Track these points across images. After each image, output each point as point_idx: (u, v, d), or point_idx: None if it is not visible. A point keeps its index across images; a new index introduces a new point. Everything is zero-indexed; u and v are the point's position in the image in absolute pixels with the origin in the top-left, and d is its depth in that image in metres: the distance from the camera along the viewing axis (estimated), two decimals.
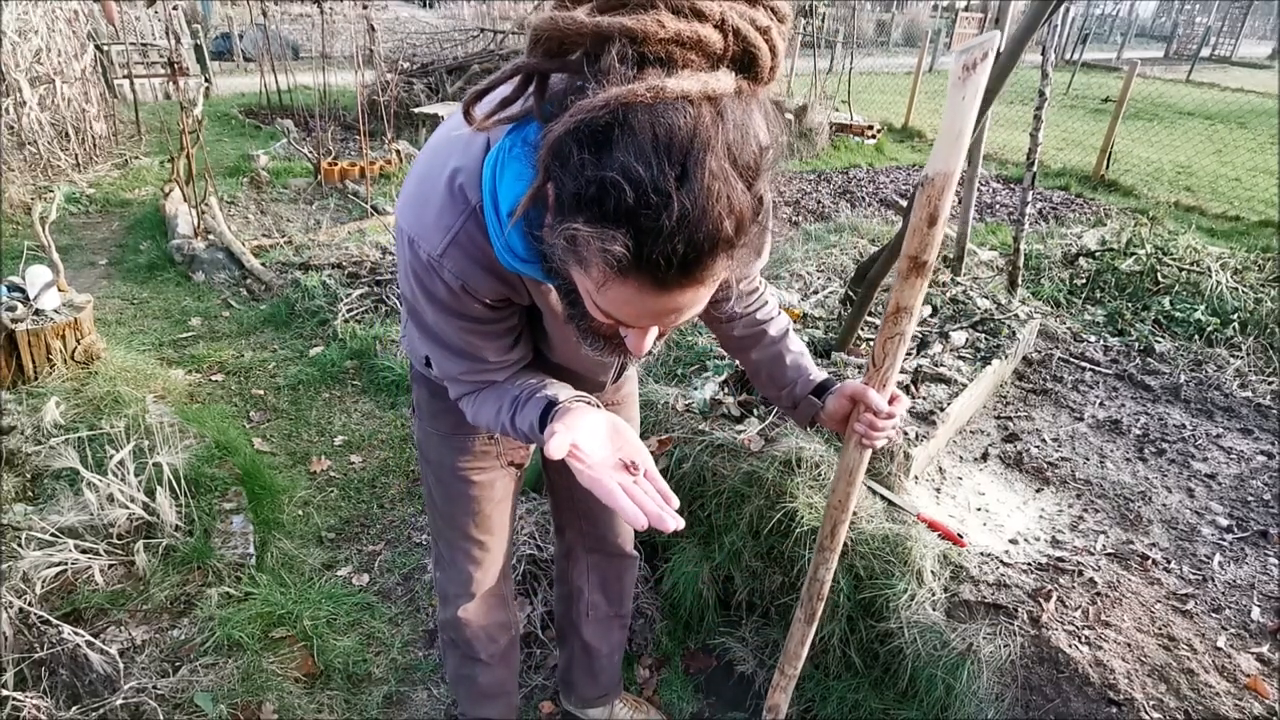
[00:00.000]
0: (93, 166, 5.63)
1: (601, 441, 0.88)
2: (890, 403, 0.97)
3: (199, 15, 9.71)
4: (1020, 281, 3.34)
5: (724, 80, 0.61)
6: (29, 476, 2.13)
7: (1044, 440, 2.34)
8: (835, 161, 7.54)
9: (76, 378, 2.60)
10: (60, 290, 2.67)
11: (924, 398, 2.18)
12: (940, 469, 2.13)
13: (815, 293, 3.12)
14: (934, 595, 1.64)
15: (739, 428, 2.02)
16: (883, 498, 1.87)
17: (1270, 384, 2.81)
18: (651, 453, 0.88)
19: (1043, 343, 3.01)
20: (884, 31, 20.40)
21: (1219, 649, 1.54)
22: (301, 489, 2.51)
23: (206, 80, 8.34)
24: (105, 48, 6.90)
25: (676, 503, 0.84)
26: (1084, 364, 2.87)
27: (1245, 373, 2.89)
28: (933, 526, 1.79)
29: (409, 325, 1.06)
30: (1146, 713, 1.38)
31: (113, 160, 5.84)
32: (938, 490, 2.04)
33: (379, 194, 5.28)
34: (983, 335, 2.60)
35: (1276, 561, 1.85)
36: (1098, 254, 3.91)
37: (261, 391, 3.07)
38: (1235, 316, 3.24)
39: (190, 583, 1.90)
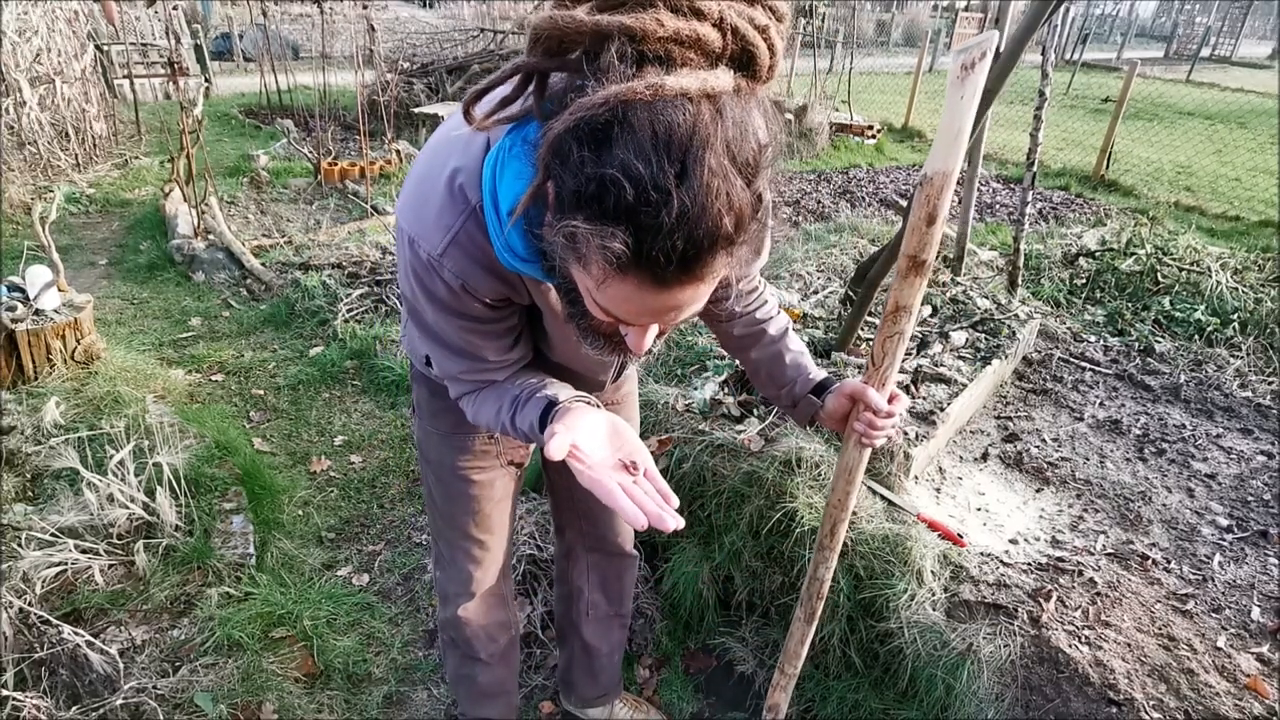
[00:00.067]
0: (93, 166, 5.63)
1: (601, 442, 0.88)
2: (890, 402, 0.97)
3: (199, 15, 9.71)
4: (1020, 281, 3.34)
5: (723, 78, 0.61)
6: (29, 476, 2.13)
7: (1044, 440, 2.34)
8: (835, 161, 7.54)
9: (76, 378, 2.60)
10: (60, 290, 2.68)
11: (924, 398, 2.18)
12: (940, 469, 2.13)
13: (815, 293, 3.12)
14: (934, 595, 1.64)
15: (739, 428, 2.02)
16: (883, 498, 1.87)
17: (1270, 384, 2.81)
18: (651, 453, 0.89)
19: (1043, 343, 3.01)
20: (884, 31, 20.41)
21: (1219, 649, 1.54)
22: (301, 489, 2.51)
23: (206, 80, 8.34)
24: (105, 48, 6.90)
25: (676, 502, 0.84)
26: (1084, 364, 2.87)
27: (1245, 373, 2.89)
28: (933, 526, 1.79)
29: (409, 324, 1.06)
30: (1146, 713, 1.38)
31: (113, 160, 5.84)
32: (938, 490, 2.04)
33: (379, 194, 5.28)
34: (983, 335, 2.60)
35: (1276, 561, 1.85)
36: (1098, 254, 3.91)
37: (261, 391, 3.07)
38: (1235, 316, 3.24)
39: (190, 583, 1.90)
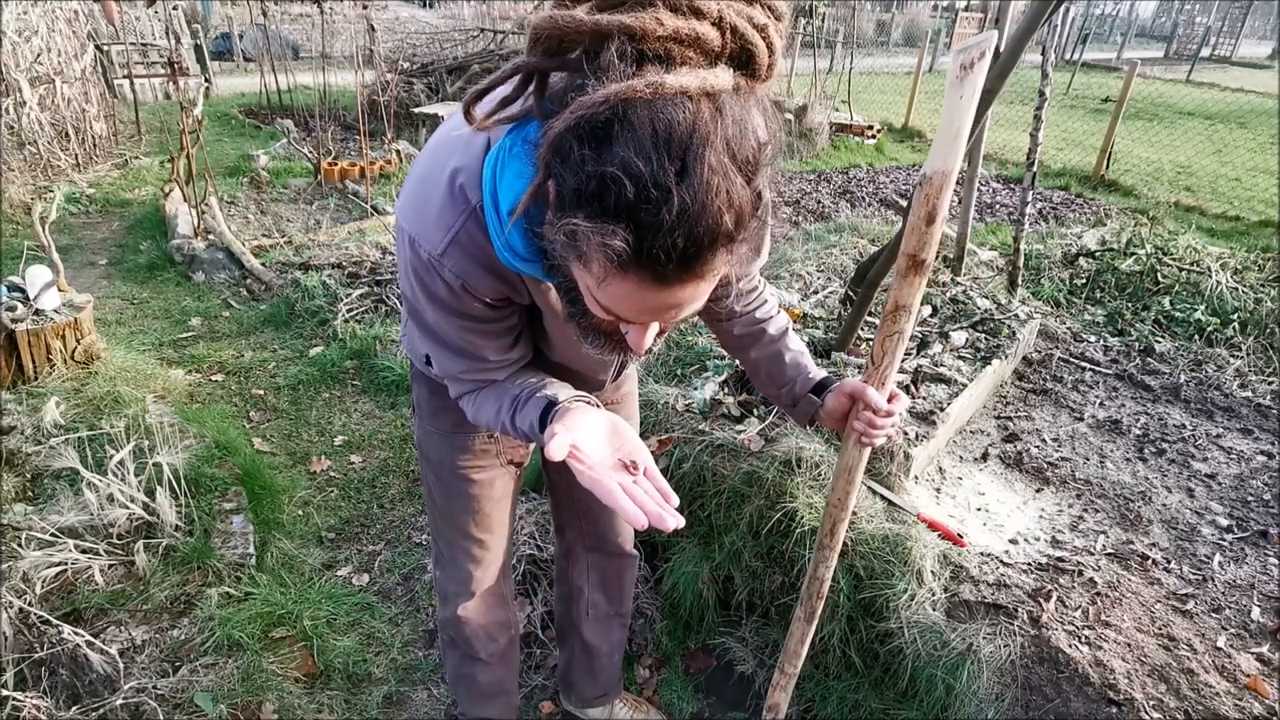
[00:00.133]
0: (93, 166, 5.63)
1: (601, 442, 0.88)
2: (889, 401, 0.97)
3: (199, 15, 9.71)
4: (1020, 281, 3.34)
5: (722, 77, 0.62)
6: (29, 476, 2.13)
7: (1044, 440, 2.34)
8: (835, 161, 7.54)
9: (76, 378, 2.60)
10: (60, 290, 2.68)
11: (924, 398, 2.18)
12: (940, 469, 2.13)
13: (815, 293, 3.12)
14: (934, 595, 1.64)
15: (739, 428, 2.02)
16: (883, 498, 1.87)
17: (1270, 384, 2.81)
18: (651, 453, 0.88)
19: (1043, 343, 3.01)
20: (884, 31, 20.42)
21: (1219, 649, 1.54)
22: (301, 489, 2.51)
23: (206, 80, 8.35)
24: (105, 48, 6.90)
25: (676, 500, 0.84)
26: (1084, 364, 2.87)
27: (1245, 373, 2.89)
28: (933, 526, 1.79)
29: (409, 324, 1.06)
30: (1146, 713, 1.38)
31: (113, 160, 5.84)
32: (938, 490, 2.04)
33: (379, 194, 5.28)
34: (983, 335, 2.61)
35: (1276, 561, 1.85)
36: (1098, 254, 3.91)
37: (261, 391, 3.07)
38: (1235, 316, 3.24)
39: (190, 583, 1.90)
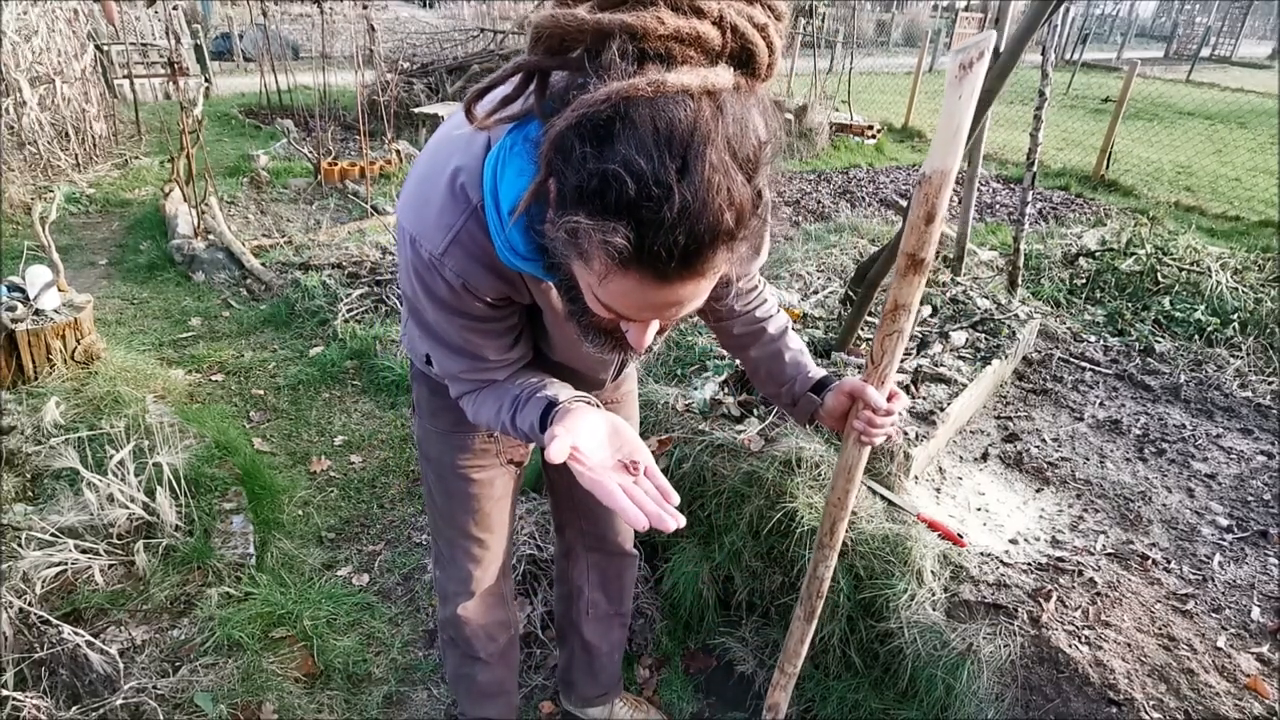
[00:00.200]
0: (93, 166, 5.63)
1: (601, 442, 0.88)
2: (889, 400, 0.97)
3: (199, 15, 9.71)
4: (1020, 281, 3.34)
5: (723, 75, 0.62)
6: (29, 476, 2.13)
7: (1044, 440, 2.34)
8: (835, 161, 7.54)
9: (76, 378, 2.60)
10: (60, 290, 2.68)
11: (924, 398, 2.18)
12: (940, 469, 2.13)
13: (815, 293, 3.12)
14: (934, 595, 1.64)
15: (739, 428, 2.02)
16: (883, 498, 1.87)
17: (1270, 384, 2.81)
18: (651, 453, 0.89)
19: (1043, 343, 3.01)
20: (884, 31, 20.42)
21: (1219, 649, 1.54)
22: (301, 489, 2.51)
23: (206, 80, 8.35)
24: (105, 48, 6.90)
25: (677, 499, 0.84)
26: (1084, 364, 2.87)
27: (1245, 373, 2.89)
28: (933, 526, 1.79)
29: (409, 323, 1.06)
30: (1146, 713, 1.38)
31: (113, 160, 5.84)
32: (938, 490, 2.04)
33: (379, 194, 5.28)
34: (983, 335, 2.61)
35: (1276, 561, 1.85)
36: (1098, 254, 3.91)
37: (261, 391, 3.07)
38: (1235, 316, 3.24)
39: (190, 583, 1.90)
